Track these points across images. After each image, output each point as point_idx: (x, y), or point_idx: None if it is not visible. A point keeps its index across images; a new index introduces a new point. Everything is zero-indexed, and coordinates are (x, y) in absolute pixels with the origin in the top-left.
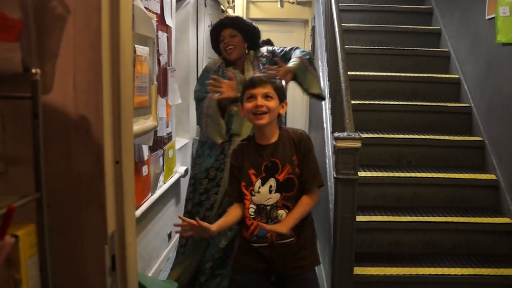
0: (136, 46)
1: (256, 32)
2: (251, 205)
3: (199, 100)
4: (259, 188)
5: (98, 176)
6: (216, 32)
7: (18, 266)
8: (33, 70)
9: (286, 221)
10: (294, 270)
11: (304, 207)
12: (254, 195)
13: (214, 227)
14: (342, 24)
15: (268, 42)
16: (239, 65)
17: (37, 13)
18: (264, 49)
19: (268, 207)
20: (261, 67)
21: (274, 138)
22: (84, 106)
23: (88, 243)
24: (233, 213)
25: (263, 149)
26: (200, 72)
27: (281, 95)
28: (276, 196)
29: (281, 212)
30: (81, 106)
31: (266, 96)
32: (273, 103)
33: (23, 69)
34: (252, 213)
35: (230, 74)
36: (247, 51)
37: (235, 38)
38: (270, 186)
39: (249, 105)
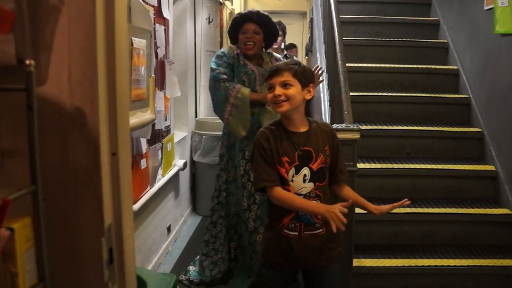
0: (133, 38)
1: (276, 36)
2: None
3: (216, 80)
4: (293, 176)
5: (95, 168)
6: (240, 22)
7: (14, 259)
8: (27, 62)
9: (368, 203)
10: (320, 262)
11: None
12: (288, 185)
13: (317, 204)
14: (341, 16)
15: (294, 46)
16: (255, 60)
17: (31, 4)
18: (279, 55)
19: (302, 196)
20: None
21: (304, 127)
22: (80, 98)
23: (85, 236)
24: (288, 193)
25: (295, 136)
26: (197, 65)
27: (304, 79)
28: (310, 186)
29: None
30: (76, 97)
31: (285, 85)
32: (292, 90)
33: (17, 60)
34: None
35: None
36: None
37: (257, 35)
38: (305, 175)
39: (269, 95)
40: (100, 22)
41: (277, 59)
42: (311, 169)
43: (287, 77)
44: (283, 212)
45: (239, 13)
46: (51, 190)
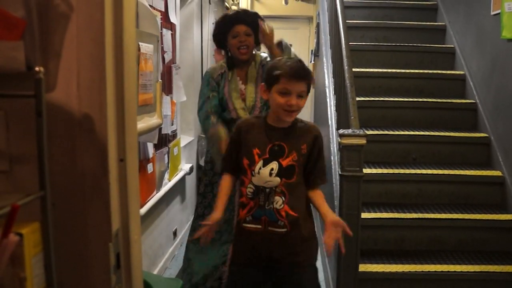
0: (140, 43)
1: None
2: (250, 185)
3: (205, 119)
4: (260, 169)
5: (103, 174)
6: (229, 24)
7: (22, 265)
8: (37, 69)
9: (331, 213)
10: (286, 263)
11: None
12: (254, 176)
13: (218, 213)
14: (347, 21)
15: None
16: (243, 69)
17: (41, 12)
18: (266, 55)
19: (267, 190)
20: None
21: (286, 124)
22: (88, 104)
23: (92, 241)
24: (227, 186)
25: (273, 130)
26: (204, 69)
27: (309, 90)
28: (276, 180)
29: (278, 199)
30: (84, 104)
31: (300, 95)
32: (303, 102)
33: (26, 67)
34: (249, 193)
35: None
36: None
37: (250, 37)
38: (271, 169)
39: (281, 100)
40: (109, 28)
41: (265, 61)
42: (280, 164)
43: (304, 87)
44: (238, 204)
45: (225, 15)
46: (60, 196)
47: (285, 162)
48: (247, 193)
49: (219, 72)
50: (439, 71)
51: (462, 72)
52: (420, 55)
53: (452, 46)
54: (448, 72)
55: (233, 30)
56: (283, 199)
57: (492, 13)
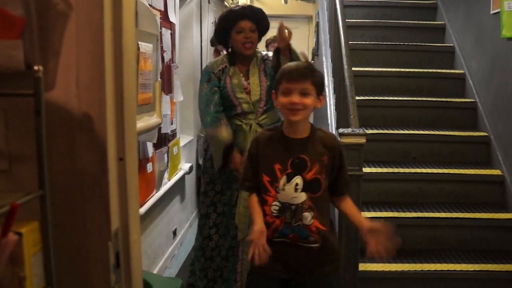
0: (139, 43)
1: (267, 29)
2: (275, 203)
3: (213, 122)
4: (285, 185)
5: (102, 173)
6: (234, 19)
7: (22, 263)
8: (36, 67)
9: (364, 219)
10: (314, 273)
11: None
12: (279, 192)
13: (259, 223)
14: (347, 20)
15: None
16: (245, 64)
17: (40, 10)
18: (267, 52)
19: (293, 207)
20: (268, 72)
21: (305, 133)
22: (87, 103)
23: (92, 240)
24: (257, 201)
25: (292, 143)
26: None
27: (320, 89)
28: (302, 196)
29: (306, 215)
30: (84, 102)
31: (304, 93)
32: (309, 100)
33: (25, 66)
34: (275, 211)
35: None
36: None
37: (254, 33)
38: (296, 184)
39: (284, 100)
40: (108, 27)
41: (267, 59)
42: (304, 179)
43: (308, 85)
44: (265, 223)
45: (230, 10)
46: (59, 195)
47: (309, 176)
48: (272, 212)
49: (220, 67)
50: (438, 70)
51: (461, 71)
52: (420, 54)
53: (452, 45)
54: (448, 71)
55: (238, 25)
56: (312, 214)
57: (492, 12)
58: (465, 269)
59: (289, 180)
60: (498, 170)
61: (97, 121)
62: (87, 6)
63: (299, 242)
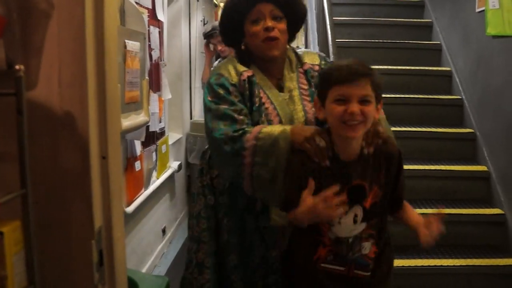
0: (126, 41)
1: (305, 16)
2: (330, 234)
3: (224, 142)
4: (341, 218)
5: (84, 171)
6: (243, 5)
7: (3, 263)
8: (17, 67)
9: (420, 218)
10: None
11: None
12: (333, 225)
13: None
14: (334, 18)
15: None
16: (273, 72)
17: (21, 9)
18: (314, 58)
19: (351, 239)
20: (314, 91)
21: (358, 149)
22: (69, 101)
23: (74, 238)
24: None
25: (347, 166)
26: (192, 67)
27: (379, 91)
28: (362, 226)
29: (366, 245)
30: (66, 101)
31: (363, 100)
32: (371, 108)
33: (7, 65)
34: (329, 258)
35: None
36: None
37: (280, 22)
38: (355, 216)
39: (338, 109)
40: (90, 26)
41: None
42: (363, 208)
43: (368, 89)
44: (314, 239)
45: None
46: (41, 194)
47: (368, 203)
48: (327, 258)
49: (245, 76)
50: (426, 68)
51: (448, 69)
52: (408, 52)
53: (439, 42)
54: (435, 68)
55: (254, 11)
56: (372, 241)
57: (477, 10)
58: (451, 264)
59: (346, 211)
60: (484, 166)
61: (79, 119)
62: (69, 4)
63: (355, 270)
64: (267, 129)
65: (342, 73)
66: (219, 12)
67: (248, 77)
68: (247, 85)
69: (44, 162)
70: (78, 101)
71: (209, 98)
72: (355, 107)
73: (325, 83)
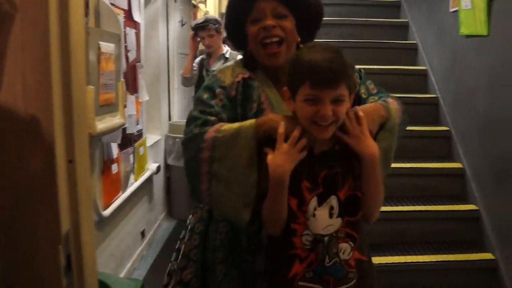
0: (100, 43)
1: (321, 14)
2: (306, 232)
3: (188, 141)
4: (315, 209)
5: (50, 175)
6: (241, 7)
7: None
8: None
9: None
10: None
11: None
12: (308, 219)
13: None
14: None
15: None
16: (281, 78)
17: None
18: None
19: (326, 238)
20: None
21: (331, 141)
22: (34, 105)
23: (41, 243)
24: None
25: (321, 155)
26: (170, 68)
27: (351, 84)
28: (337, 222)
29: (344, 246)
30: (30, 105)
31: (337, 100)
32: (344, 107)
33: None
34: (308, 244)
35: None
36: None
37: (285, 20)
38: (331, 208)
39: (308, 109)
40: (54, 28)
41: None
42: (339, 199)
43: (342, 89)
44: (290, 255)
45: None
46: (7, 198)
47: (342, 194)
48: (304, 243)
49: (240, 78)
50: (402, 67)
51: (424, 68)
52: (385, 51)
53: (415, 42)
54: (411, 67)
55: (254, 10)
56: (352, 244)
57: (451, 10)
58: (427, 260)
59: (320, 202)
60: (459, 164)
61: (44, 123)
62: (32, 6)
63: (336, 286)
64: (231, 123)
65: (318, 75)
66: (198, 13)
67: (244, 79)
68: (241, 88)
69: (9, 166)
70: (43, 105)
71: (194, 103)
72: (327, 110)
73: (297, 78)
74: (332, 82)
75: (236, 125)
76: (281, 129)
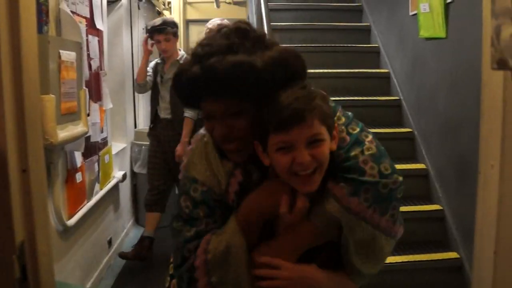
0: (61, 51)
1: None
2: None
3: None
4: None
5: (3, 185)
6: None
7: None
8: None
9: None
10: None
11: None
12: None
13: None
14: (275, 23)
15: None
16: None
17: None
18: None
19: None
20: None
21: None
22: None
23: None
24: None
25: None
26: (135, 75)
27: (330, 121)
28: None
29: None
30: None
31: (314, 141)
32: (325, 147)
33: None
34: None
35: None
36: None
37: (238, 118)
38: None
39: (283, 159)
40: (4, 36)
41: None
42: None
43: (315, 126)
44: None
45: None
46: None
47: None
48: None
49: (235, 188)
50: (365, 70)
51: (386, 71)
52: (348, 55)
53: (377, 45)
54: (374, 70)
55: (206, 103)
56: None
57: (411, 13)
58: (394, 261)
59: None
60: (422, 164)
61: None
62: None
63: None
64: (216, 234)
65: (279, 114)
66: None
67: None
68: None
69: None
70: None
71: (182, 212)
72: (304, 155)
73: (262, 129)
74: (296, 119)
75: (223, 235)
76: (283, 208)
